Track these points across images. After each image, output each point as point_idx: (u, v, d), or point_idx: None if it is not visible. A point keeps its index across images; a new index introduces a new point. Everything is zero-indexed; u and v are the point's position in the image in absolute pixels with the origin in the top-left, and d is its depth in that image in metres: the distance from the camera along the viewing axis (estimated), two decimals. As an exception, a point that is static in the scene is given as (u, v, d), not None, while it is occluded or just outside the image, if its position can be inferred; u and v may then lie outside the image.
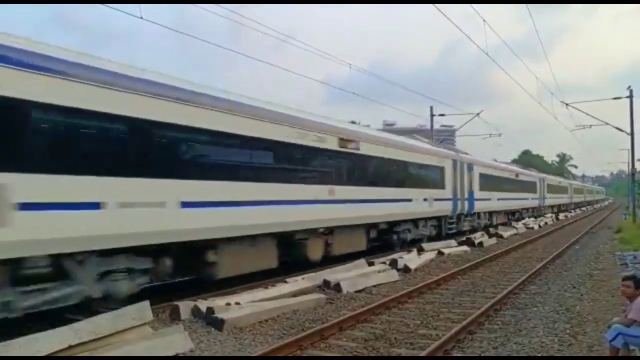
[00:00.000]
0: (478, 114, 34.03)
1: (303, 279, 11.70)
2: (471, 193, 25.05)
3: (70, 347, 6.20)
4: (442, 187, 21.70)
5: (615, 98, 31.26)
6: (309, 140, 12.85)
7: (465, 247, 19.95)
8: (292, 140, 12.24)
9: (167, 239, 8.89)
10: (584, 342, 7.34)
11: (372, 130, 21.20)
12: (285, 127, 12.03)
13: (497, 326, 8.50)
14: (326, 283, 11.38)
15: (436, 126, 36.60)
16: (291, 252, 12.79)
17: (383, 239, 17.68)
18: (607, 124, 32.05)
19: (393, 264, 14.43)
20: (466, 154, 27.11)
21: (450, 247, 19.30)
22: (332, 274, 12.08)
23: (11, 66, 6.90)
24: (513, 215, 35.97)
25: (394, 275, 13.15)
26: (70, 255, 7.52)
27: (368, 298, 10.82)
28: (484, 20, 16.36)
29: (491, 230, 26.96)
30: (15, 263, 6.88)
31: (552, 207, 49.46)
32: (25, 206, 6.85)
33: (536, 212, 42.82)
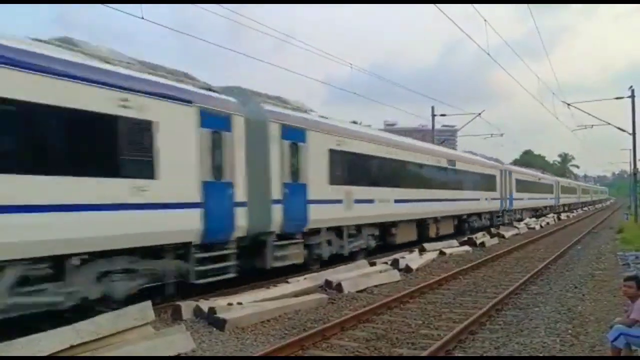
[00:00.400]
0: (479, 114, 34.03)
1: (305, 279, 11.70)
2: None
3: (72, 347, 6.21)
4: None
5: (617, 98, 31.22)
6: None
7: (466, 247, 19.93)
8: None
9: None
10: (585, 343, 7.34)
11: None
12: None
13: (499, 326, 8.50)
14: (328, 283, 11.38)
15: (437, 126, 36.54)
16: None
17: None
18: (609, 123, 32.02)
19: (394, 264, 14.43)
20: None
21: (452, 247, 19.28)
22: (334, 274, 12.08)
23: None
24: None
25: (395, 275, 13.15)
26: None
27: (370, 298, 10.82)
28: (485, 20, 16.37)
29: (492, 230, 26.96)
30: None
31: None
32: None
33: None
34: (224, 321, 8.12)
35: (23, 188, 6.99)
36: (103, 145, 8.20)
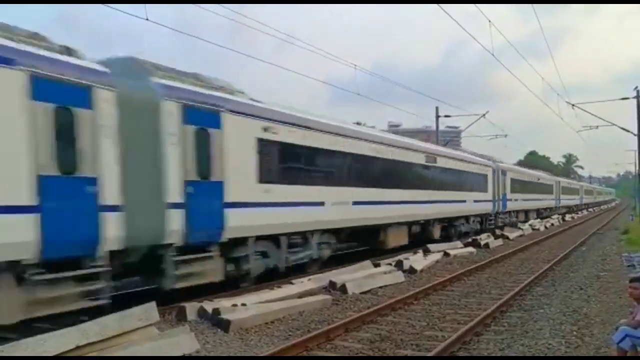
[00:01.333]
0: (484, 115, 33.95)
1: (309, 280, 11.70)
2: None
3: (78, 347, 6.24)
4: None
5: (622, 99, 31.11)
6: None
7: (471, 249, 19.90)
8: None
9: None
10: (591, 344, 7.31)
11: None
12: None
13: (503, 328, 8.48)
14: (332, 284, 11.38)
15: (441, 127, 36.48)
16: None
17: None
18: (614, 124, 31.91)
19: (399, 265, 14.41)
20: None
21: (456, 249, 19.26)
22: (338, 275, 12.08)
23: None
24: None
25: (399, 276, 13.14)
26: None
27: (374, 299, 10.81)
28: (489, 21, 16.34)
29: (497, 231, 26.89)
30: None
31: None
32: None
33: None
34: (228, 322, 8.13)
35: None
36: None
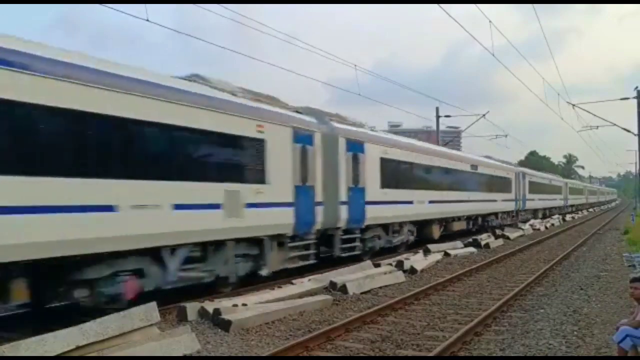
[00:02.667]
0: (484, 115, 34.01)
1: (309, 280, 11.71)
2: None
3: (78, 347, 6.24)
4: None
5: (622, 99, 31.10)
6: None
7: (471, 249, 19.91)
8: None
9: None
10: (591, 344, 7.30)
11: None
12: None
13: (504, 328, 8.48)
14: (332, 284, 11.38)
15: (442, 127, 36.47)
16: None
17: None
18: (614, 124, 31.90)
19: (399, 265, 14.41)
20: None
21: (457, 249, 19.26)
22: (339, 276, 12.08)
23: None
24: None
25: (400, 276, 13.13)
26: None
27: (374, 299, 10.81)
28: (489, 22, 16.34)
29: (497, 231, 26.91)
30: None
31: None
32: None
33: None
34: (229, 322, 8.13)
35: None
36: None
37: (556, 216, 44.44)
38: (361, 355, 7.14)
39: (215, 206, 10.03)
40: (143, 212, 8.61)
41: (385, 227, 16.98)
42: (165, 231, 8.99)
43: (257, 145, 11.16)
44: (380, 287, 11.94)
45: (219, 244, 10.26)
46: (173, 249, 9.26)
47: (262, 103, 11.89)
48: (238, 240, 10.67)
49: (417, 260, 15.45)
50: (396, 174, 17.55)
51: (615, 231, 30.42)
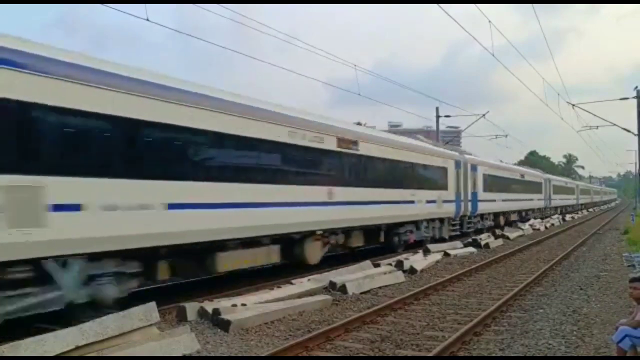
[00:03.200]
0: (484, 115, 34.00)
1: (309, 280, 11.71)
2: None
3: (78, 347, 6.24)
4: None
5: (622, 99, 31.11)
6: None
7: (471, 249, 19.91)
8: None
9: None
10: (591, 344, 7.31)
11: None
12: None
13: (504, 328, 8.48)
14: (332, 284, 11.38)
15: (442, 127, 36.48)
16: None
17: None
18: (614, 124, 31.91)
19: (399, 265, 14.41)
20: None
21: (456, 249, 19.26)
22: (338, 276, 12.08)
23: None
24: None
25: (399, 276, 13.13)
26: None
27: (374, 299, 10.81)
28: (489, 21, 16.35)
29: (497, 231, 26.91)
30: None
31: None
32: None
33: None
34: (228, 322, 8.13)
35: None
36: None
37: (556, 216, 44.48)
38: (361, 355, 7.13)
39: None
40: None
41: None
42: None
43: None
44: (380, 287, 11.94)
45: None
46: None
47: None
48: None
49: (417, 260, 15.45)
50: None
51: (615, 231, 30.43)
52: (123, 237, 8.30)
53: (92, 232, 7.86)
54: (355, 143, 15.02)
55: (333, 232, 14.21)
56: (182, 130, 9.52)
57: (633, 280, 6.36)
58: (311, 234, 13.24)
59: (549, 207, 46.45)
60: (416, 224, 19.16)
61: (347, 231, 14.96)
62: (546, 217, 42.37)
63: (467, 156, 26.21)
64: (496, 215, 30.26)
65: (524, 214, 37.19)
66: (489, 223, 28.87)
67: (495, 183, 29.12)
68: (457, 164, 23.55)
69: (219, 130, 10.29)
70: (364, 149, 15.38)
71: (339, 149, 14.22)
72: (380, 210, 16.20)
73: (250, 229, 10.97)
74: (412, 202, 18.44)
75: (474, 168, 26.03)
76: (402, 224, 18.10)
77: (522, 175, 36.95)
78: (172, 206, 9.16)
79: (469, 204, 24.84)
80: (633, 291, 6.14)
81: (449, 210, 22.11)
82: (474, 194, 25.61)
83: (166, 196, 9.09)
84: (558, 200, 51.22)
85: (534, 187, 40.33)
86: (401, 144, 18.66)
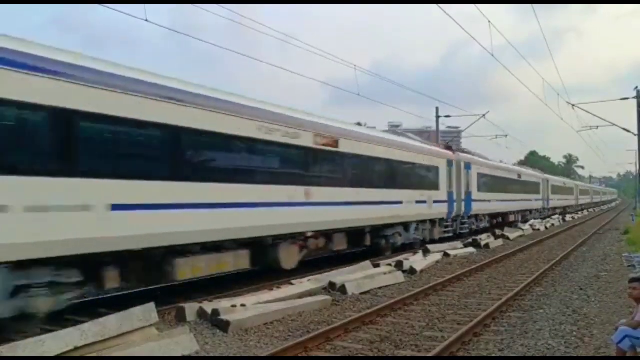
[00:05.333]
0: (484, 115, 33.97)
1: (308, 280, 11.69)
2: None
3: (76, 348, 6.24)
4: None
5: (622, 99, 31.10)
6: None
7: (471, 249, 19.89)
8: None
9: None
10: (590, 345, 7.30)
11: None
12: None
13: (503, 328, 8.47)
14: (332, 285, 11.36)
15: (442, 127, 36.48)
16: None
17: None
18: (614, 124, 31.89)
19: (399, 265, 14.40)
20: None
21: (456, 249, 19.24)
22: (338, 276, 12.07)
23: None
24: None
25: (399, 277, 13.12)
26: None
27: (374, 300, 10.80)
28: (489, 21, 16.34)
29: (497, 231, 26.87)
30: None
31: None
32: None
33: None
34: (228, 323, 8.12)
35: None
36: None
37: (556, 216, 44.45)
38: (360, 355, 7.13)
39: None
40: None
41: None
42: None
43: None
44: (380, 288, 11.93)
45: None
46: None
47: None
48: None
49: (417, 261, 15.43)
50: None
51: (615, 231, 30.40)
52: (54, 242, 7.29)
53: (15, 238, 6.90)
54: (335, 140, 14.07)
55: (312, 235, 13.16)
56: (127, 123, 8.51)
57: (632, 280, 6.35)
58: (288, 237, 12.26)
59: (547, 208, 45.39)
60: (405, 225, 18.17)
61: (328, 234, 13.96)
62: (545, 218, 41.41)
63: (460, 154, 24.97)
64: (492, 216, 29.24)
65: (520, 215, 36.05)
66: (484, 224, 27.67)
67: (490, 183, 28.28)
68: (450, 163, 22.32)
69: (174, 124, 9.26)
70: (345, 146, 14.43)
71: (316, 146, 13.23)
72: (364, 212, 15.11)
73: (213, 232, 10.00)
74: (400, 202, 17.41)
75: (467, 167, 24.74)
76: (389, 226, 17.06)
77: (519, 175, 36.36)
78: (116, 207, 8.22)
79: (463, 204, 23.66)
80: (632, 291, 6.13)
81: (440, 211, 21.01)
82: (468, 194, 24.40)
83: (109, 196, 8.13)
84: (557, 200, 50.55)
85: (531, 187, 39.66)
86: (387, 141, 17.62)
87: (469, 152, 28.46)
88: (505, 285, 12.45)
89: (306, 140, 12.83)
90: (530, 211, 39.63)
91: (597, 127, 35.84)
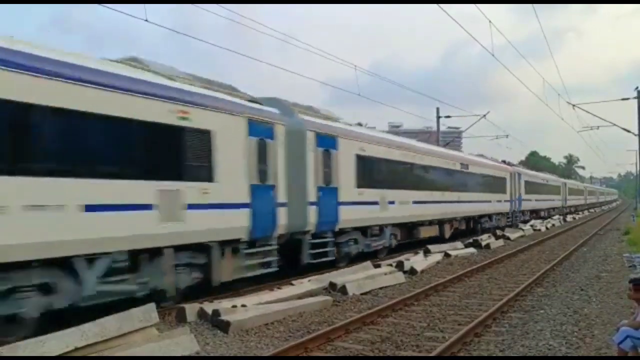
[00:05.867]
0: (484, 115, 34.01)
1: (309, 281, 11.69)
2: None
3: (77, 349, 6.23)
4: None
5: (622, 99, 31.09)
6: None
7: (471, 249, 19.86)
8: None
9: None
10: (592, 345, 7.29)
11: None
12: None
13: (504, 329, 8.46)
14: (332, 285, 11.35)
15: (442, 128, 36.42)
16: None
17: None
18: (615, 125, 31.90)
19: (399, 266, 14.39)
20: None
21: (457, 249, 19.22)
22: (339, 276, 12.06)
23: None
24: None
25: (400, 277, 13.11)
26: None
27: (374, 300, 10.79)
28: (489, 21, 16.33)
29: (498, 232, 26.87)
30: None
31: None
32: None
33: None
34: (228, 323, 8.12)
35: None
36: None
37: (556, 217, 44.44)
38: (361, 355, 7.12)
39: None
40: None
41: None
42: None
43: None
44: (380, 288, 11.91)
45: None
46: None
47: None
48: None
49: (417, 261, 15.42)
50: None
51: (616, 231, 30.37)
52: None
53: None
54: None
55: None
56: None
57: (632, 281, 6.34)
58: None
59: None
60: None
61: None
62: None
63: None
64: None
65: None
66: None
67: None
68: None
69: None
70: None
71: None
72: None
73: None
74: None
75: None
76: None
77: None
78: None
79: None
80: (632, 292, 6.12)
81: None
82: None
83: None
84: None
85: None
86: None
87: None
88: (506, 286, 12.44)
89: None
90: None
91: (598, 127, 35.99)
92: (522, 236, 27.19)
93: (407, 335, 8.08)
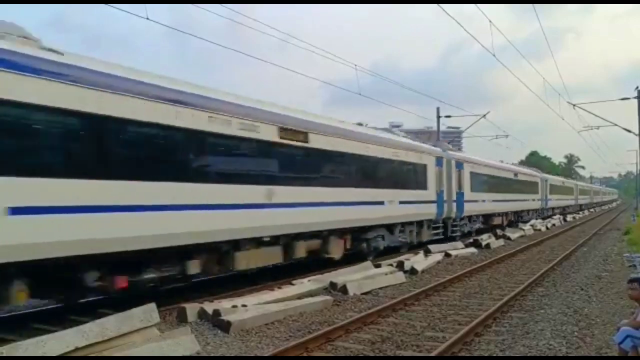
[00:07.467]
0: (484, 115, 33.94)
1: (309, 281, 11.69)
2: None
3: (77, 349, 6.22)
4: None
5: (623, 99, 31.07)
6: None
7: (472, 249, 19.88)
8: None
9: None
10: (592, 345, 7.29)
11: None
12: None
13: (504, 328, 8.46)
14: (333, 285, 11.36)
15: (442, 128, 36.42)
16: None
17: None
18: (615, 124, 31.87)
19: (400, 266, 14.39)
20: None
21: (457, 249, 19.23)
22: (339, 276, 12.06)
23: None
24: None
25: (400, 277, 13.11)
26: None
27: (375, 300, 10.79)
28: (489, 21, 16.32)
29: (498, 231, 26.85)
30: None
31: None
32: None
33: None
34: (229, 323, 8.12)
35: None
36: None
37: (557, 216, 44.42)
38: (361, 355, 7.12)
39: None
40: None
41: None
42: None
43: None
44: (381, 288, 11.92)
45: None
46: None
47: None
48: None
49: (418, 261, 15.42)
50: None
51: (616, 231, 30.38)
52: None
53: None
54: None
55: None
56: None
57: (631, 280, 6.35)
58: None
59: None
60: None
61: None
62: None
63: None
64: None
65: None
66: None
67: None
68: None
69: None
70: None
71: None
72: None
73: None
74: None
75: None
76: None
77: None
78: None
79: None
80: (632, 292, 6.12)
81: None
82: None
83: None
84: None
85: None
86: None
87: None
88: (507, 286, 12.44)
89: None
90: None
91: (598, 127, 35.86)
92: (522, 236, 27.20)
93: (408, 335, 8.09)
